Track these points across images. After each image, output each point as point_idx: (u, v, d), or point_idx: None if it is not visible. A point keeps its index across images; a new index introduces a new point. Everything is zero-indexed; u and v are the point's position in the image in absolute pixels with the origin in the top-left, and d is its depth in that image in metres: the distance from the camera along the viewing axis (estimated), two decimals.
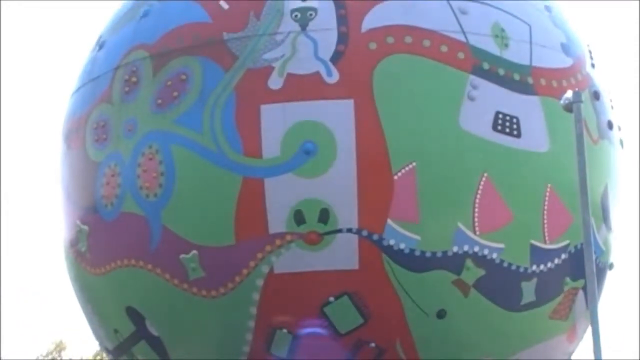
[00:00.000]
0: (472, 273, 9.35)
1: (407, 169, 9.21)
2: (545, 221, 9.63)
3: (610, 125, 10.53)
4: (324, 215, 9.14)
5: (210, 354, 9.72)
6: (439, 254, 9.26)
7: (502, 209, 9.43)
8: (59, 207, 10.91)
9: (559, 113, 9.00)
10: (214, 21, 9.73)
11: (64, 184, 10.71)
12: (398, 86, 9.34)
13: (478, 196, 9.33)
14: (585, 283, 8.83)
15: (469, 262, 9.32)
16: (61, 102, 11.21)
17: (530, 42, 9.89)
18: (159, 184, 9.52)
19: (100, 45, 10.65)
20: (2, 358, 24.17)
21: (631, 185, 11.29)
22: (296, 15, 9.52)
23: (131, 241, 9.75)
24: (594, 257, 8.60)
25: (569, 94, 8.67)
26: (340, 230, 9.15)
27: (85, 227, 10.24)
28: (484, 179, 9.37)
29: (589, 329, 8.54)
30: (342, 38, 9.42)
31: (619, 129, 10.83)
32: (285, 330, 9.39)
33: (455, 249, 9.29)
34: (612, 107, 10.77)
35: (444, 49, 9.48)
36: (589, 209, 8.45)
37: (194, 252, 9.39)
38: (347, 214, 9.13)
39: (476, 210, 9.32)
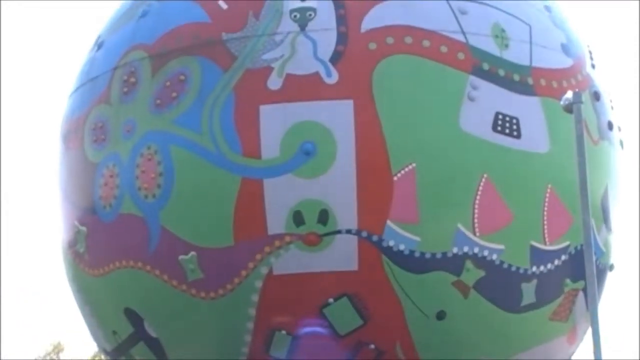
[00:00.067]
0: (472, 274, 9.33)
1: (406, 169, 9.18)
2: (546, 222, 9.61)
3: (610, 126, 10.51)
4: (324, 216, 9.12)
5: (209, 356, 9.69)
6: (439, 255, 9.24)
7: (502, 210, 9.41)
8: (57, 208, 10.89)
9: (559, 114, 8.98)
10: (213, 21, 9.71)
11: (62, 185, 10.69)
12: (398, 87, 9.32)
13: (478, 197, 9.30)
14: (586, 284, 8.80)
15: (468, 263, 9.30)
16: (59, 102, 11.20)
17: (530, 43, 9.87)
18: (158, 185, 9.50)
19: (99, 45, 10.63)
20: (2, 358, 24.16)
21: (631, 186, 11.28)
22: (295, 16, 9.50)
23: (130, 242, 9.73)
24: (594, 258, 8.58)
25: (569, 94, 8.66)
26: (339, 231, 9.13)
27: (84, 228, 10.22)
28: (483, 179, 9.35)
29: (589, 331, 8.52)
30: (342, 38, 9.40)
31: (619, 129, 10.81)
32: (284, 332, 9.37)
33: (455, 250, 9.26)
34: (612, 108, 10.76)
35: (444, 49, 9.46)
36: (589, 210, 8.43)
37: (193, 253, 9.37)
38: (346, 214, 9.11)
39: (476, 211, 9.30)
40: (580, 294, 10.01)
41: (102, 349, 11.25)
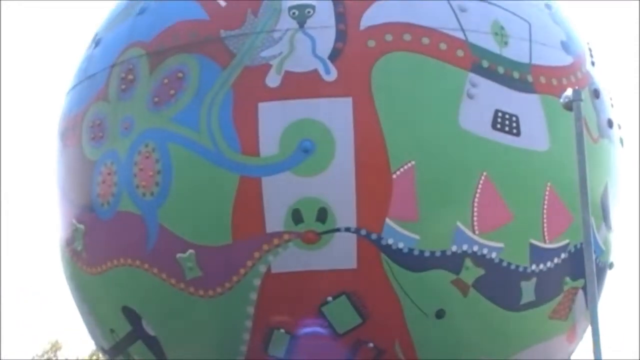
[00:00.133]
0: (472, 272, 9.30)
1: (405, 167, 9.16)
2: (545, 220, 9.59)
3: (610, 123, 10.49)
4: (322, 214, 9.09)
5: (207, 354, 9.67)
6: (438, 254, 9.21)
7: (502, 208, 9.38)
8: (55, 206, 10.86)
9: (559, 111, 8.94)
10: (211, 18, 9.67)
11: (60, 183, 10.66)
12: (397, 84, 9.29)
13: (477, 195, 9.28)
14: (585, 283, 8.78)
15: (468, 262, 9.27)
16: (57, 100, 11.18)
17: (530, 40, 9.84)
18: (156, 183, 9.47)
19: (97, 42, 10.60)
20: (1, 358, 24.16)
21: (631, 184, 11.26)
22: (294, 13, 9.47)
23: (127, 240, 9.70)
24: (593, 256, 8.54)
25: (568, 92, 8.62)
26: (338, 230, 9.10)
27: (81, 226, 10.19)
28: (483, 177, 9.33)
29: (589, 329, 8.48)
30: (341, 36, 9.37)
31: (619, 127, 10.79)
32: (282, 330, 9.34)
33: (454, 248, 9.24)
34: (612, 106, 10.74)
35: (443, 46, 9.44)
36: (588, 208, 8.40)
37: (191, 251, 9.34)
38: (345, 213, 9.08)
39: (475, 209, 9.27)
40: (580, 293, 9.99)
41: (100, 348, 11.23)
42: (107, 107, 10.02)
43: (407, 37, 9.40)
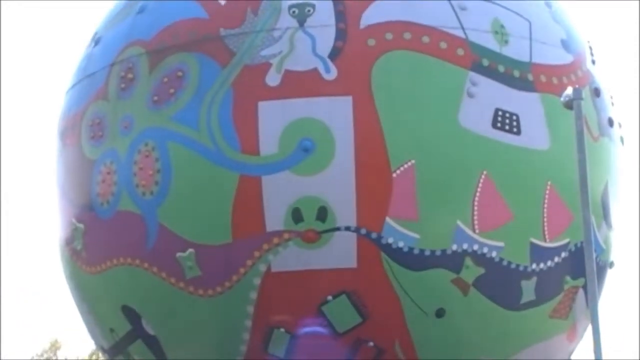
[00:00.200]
0: (472, 271, 9.28)
1: (406, 166, 9.14)
2: (545, 219, 9.57)
3: (610, 122, 10.47)
4: (322, 213, 9.08)
5: (207, 354, 9.65)
6: (438, 253, 9.19)
7: (502, 207, 9.37)
8: (54, 205, 10.84)
9: (559, 110, 8.92)
10: (210, 17, 9.66)
11: (60, 182, 10.64)
12: (397, 83, 9.27)
13: (477, 194, 9.26)
14: (586, 282, 8.76)
15: (468, 261, 9.25)
16: (56, 99, 11.16)
17: (530, 39, 9.82)
18: (155, 182, 9.45)
19: (96, 41, 10.58)
20: (2, 358, 24.16)
21: (632, 183, 11.24)
22: (294, 11, 9.45)
23: (127, 239, 9.68)
24: (594, 255, 8.53)
25: (569, 90, 8.60)
26: (338, 229, 9.08)
27: (81, 226, 10.17)
28: (483, 176, 9.31)
29: (589, 328, 8.48)
30: (341, 34, 9.35)
31: (620, 126, 10.78)
32: (282, 330, 9.33)
33: (454, 247, 9.22)
34: (612, 104, 10.72)
35: (443, 45, 9.42)
36: (589, 207, 8.38)
37: (191, 250, 9.32)
38: (345, 212, 9.06)
39: (475, 208, 9.25)
40: (581, 292, 9.97)
41: (100, 347, 11.22)
42: (106, 106, 10.00)
43: (407, 35, 9.38)
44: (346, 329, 9.28)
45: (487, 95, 9.42)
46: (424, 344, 9.42)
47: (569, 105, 8.56)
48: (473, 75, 9.41)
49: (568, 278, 9.87)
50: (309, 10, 9.45)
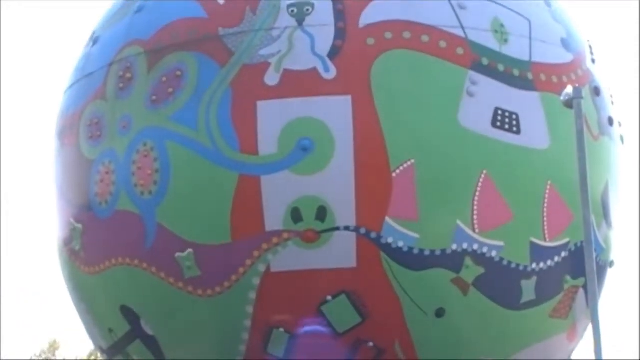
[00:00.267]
0: (472, 271, 9.26)
1: (405, 166, 9.12)
2: (545, 219, 9.55)
3: (610, 121, 10.45)
4: (322, 213, 9.05)
5: (206, 354, 9.63)
6: (438, 252, 9.17)
7: (502, 206, 9.35)
8: (52, 205, 10.82)
9: (559, 109, 8.91)
10: (209, 16, 9.63)
11: (58, 182, 10.62)
12: (396, 82, 9.24)
13: (477, 193, 9.24)
14: (586, 281, 8.75)
15: (468, 260, 9.23)
16: (55, 98, 11.14)
17: (530, 38, 9.81)
18: (154, 182, 9.43)
19: (94, 41, 10.56)
20: (2, 358, 24.17)
21: (632, 182, 11.22)
22: (293, 11, 9.43)
23: (126, 239, 9.66)
24: (594, 255, 8.52)
25: (569, 89, 8.58)
26: (337, 228, 9.06)
27: (79, 226, 10.15)
28: (483, 176, 9.29)
29: (590, 328, 8.46)
30: (340, 33, 9.33)
31: (620, 125, 10.76)
32: (282, 330, 9.31)
33: (454, 246, 9.20)
34: (612, 103, 10.71)
35: (443, 44, 9.40)
36: (589, 206, 8.37)
37: (190, 250, 9.30)
38: (344, 211, 9.04)
39: (475, 207, 9.23)
40: (581, 291, 9.96)
41: (98, 347, 11.19)
42: (104, 106, 9.98)
43: (406, 34, 9.36)
44: (346, 329, 9.26)
45: (486, 95, 9.40)
46: (423, 344, 9.40)
47: (569, 104, 8.54)
48: (473, 74, 9.39)
49: (568, 278, 9.85)
50: (307, 10, 9.42)
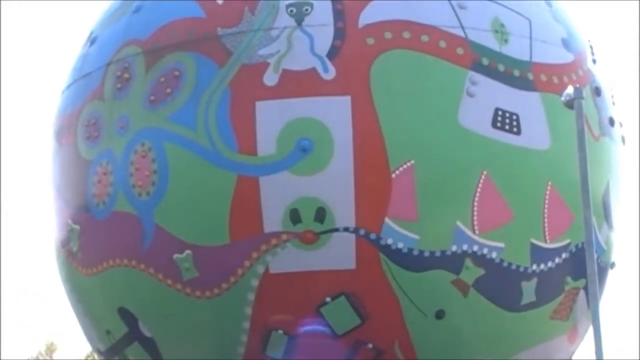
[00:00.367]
0: (472, 272, 9.23)
1: (405, 166, 9.08)
2: (546, 220, 9.52)
3: (611, 121, 10.42)
4: (321, 214, 9.02)
5: (204, 356, 9.59)
6: (438, 254, 9.14)
7: (502, 207, 9.31)
8: (50, 205, 10.78)
9: (560, 109, 8.88)
10: (207, 16, 9.60)
11: (55, 183, 10.59)
12: (396, 82, 9.21)
13: (477, 194, 9.21)
14: (587, 283, 8.71)
15: (468, 262, 9.20)
16: (52, 98, 11.10)
17: (531, 38, 9.78)
18: (152, 182, 9.39)
19: (92, 41, 10.53)
20: (1, 358, 24.17)
21: (633, 183, 11.19)
22: (292, 10, 9.39)
23: (123, 241, 9.62)
24: (595, 256, 8.48)
25: (569, 90, 8.56)
26: (337, 229, 9.02)
27: (77, 227, 10.11)
28: (483, 176, 9.26)
29: (590, 329, 8.43)
30: (339, 33, 9.30)
31: (621, 125, 10.74)
32: (280, 331, 9.27)
33: (454, 248, 9.16)
34: (613, 104, 10.68)
35: (443, 44, 9.36)
36: (590, 207, 8.34)
37: (188, 251, 9.26)
38: (344, 212, 9.00)
39: (475, 208, 9.20)
40: (581, 293, 9.93)
41: (96, 349, 11.16)
42: (102, 106, 9.94)
43: (406, 34, 9.33)
44: (345, 330, 9.23)
45: (487, 95, 9.37)
46: (423, 346, 9.37)
47: (569, 104, 8.51)
48: (473, 74, 9.36)
49: (569, 279, 9.81)
50: (306, 9, 9.39)
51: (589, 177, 8.37)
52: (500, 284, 9.40)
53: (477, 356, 9.59)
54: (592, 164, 8.70)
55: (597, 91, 10.27)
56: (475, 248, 9.22)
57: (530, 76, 9.62)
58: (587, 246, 8.34)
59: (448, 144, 9.21)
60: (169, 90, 9.44)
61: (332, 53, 9.23)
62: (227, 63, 9.31)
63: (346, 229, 9.02)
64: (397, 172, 9.07)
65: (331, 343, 9.24)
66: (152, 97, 9.51)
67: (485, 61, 9.44)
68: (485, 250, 9.25)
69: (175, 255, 9.30)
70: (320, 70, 9.19)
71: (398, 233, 9.04)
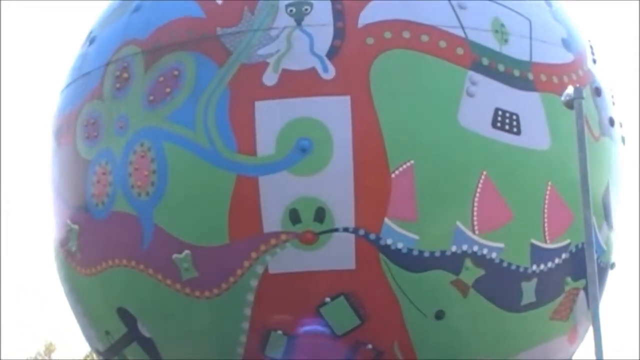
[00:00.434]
0: (471, 273, 9.21)
1: (404, 166, 9.06)
2: (546, 220, 9.50)
3: (611, 121, 10.41)
4: (320, 214, 9.00)
5: (203, 356, 9.58)
6: (438, 254, 9.12)
7: (502, 207, 9.29)
8: (49, 205, 10.76)
9: (560, 109, 8.86)
10: (207, 16, 9.58)
11: (54, 182, 10.58)
12: (396, 82, 9.20)
13: (477, 195, 9.19)
14: (587, 283, 8.69)
15: (468, 262, 9.18)
16: (51, 98, 11.08)
17: (531, 38, 9.76)
18: (151, 182, 9.37)
19: (91, 40, 10.51)
20: (1, 358, 24.17)
21: (633, 183, 11.17)
22: (291, 10, 9.38)
23: (122, 241, 9.60)
24: (595, 256, 8.45)
25: (570, 90, 8.54)
26: (336, 230, 9.00)
27: (76, 227, 10.09)
28: (483, 177, 9.24)
29: (590, 330, 8.42)
30: (339, 33, 9.28)
31: (621, 125, 10.72)
32: (280, 332, 9.25)
33: (454, 248, 9.15)
34: (613, 104, 10.67)
35: (443, 44, 9.34)
36: (590, 208, 8.32)
37: (187, 252, 9.24)
38: (343, 212, 8.99)
39: (475, 209, 9.18)
40: (581, 293, 9.91)
41: (95, 349, 11.15)
42: (101, 106, 9.92)
43: (406, 34, 9.31)
44: (345, 331, 9.22)
45: (486, 95, 9.35)
46: (423, 346, 9.36)
47: (569, 104, 8.50)
48: (473, 74, 9.34)
49: (569, 279, 9.80)
50: (306, 9, 9.37)
51: (589, 177, 8.35)
52: (500, 285, 9.38)
53: (477, 357, 9.58)
54: (592, 164, 8.68)
55: (597, 91, 10.26)
56: (475, 248, 9.20)
57: (530, 76, 9.60)
58: (587, 246, 8.32)
59: (448, 144, 9.19)
60: (168, 90, 9.42)
61: (332, 53, 9.21)
62: (226, 63, 9.29)
63: (346, 229, 9.00)
64: (396, 172, 9.05)
65: (331, 343, 9.23)
66: (151, 97, 9.50)
67: (485, 61, 9.42)
68: (485, 251, 9.24)
69: (175, 256, 9.28)
70: (319, 70, 9.18)
71: (398, 233, 9.03)
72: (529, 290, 9.52)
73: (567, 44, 10.10)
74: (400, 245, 9.03)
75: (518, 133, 9.41)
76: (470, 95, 9.30)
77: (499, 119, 9.37)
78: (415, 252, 9.06)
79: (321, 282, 9.12)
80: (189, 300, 9.36)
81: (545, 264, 9.57)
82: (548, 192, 9.52)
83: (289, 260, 9.06)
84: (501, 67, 9.48)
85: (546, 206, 9.50)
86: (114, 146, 9.66)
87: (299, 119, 9.09)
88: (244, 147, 9.10)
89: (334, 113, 9.08)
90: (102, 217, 9.73)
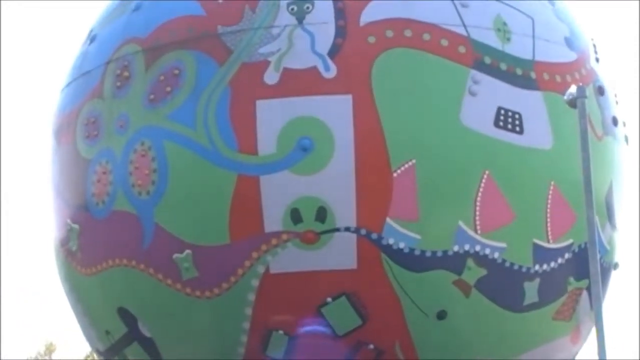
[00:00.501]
0: (474, 273, 9.18)
1: (406, 166, 9.03)
2: (549, 220, 9.47)
3: (615, 121, 10.38)
4: (322, 214, 8.97)
5: (204, 356, 9.56)
6: (439, 254, 9.09)
7: (504, 207, 9.27)
8: (49, 205, 10.74)
9: (563, 109, 8.84)
10: (208, 14, 9.56)
11: (54, 182, 10.57)
12: (397, 81, 9.17)
13: (479, 194, 9.16)
14: (589, 283, 8.67)
15: (470, 262, 9.15)
16: (51, 97, 11.06)
17: (533, 36, 9.73)
18: (152, 182, 9.35)
19: (91, 39, 10.50)
20: (1, 358, 24.18)
21: (636, 182, 11.13)
22: (293, 9, 9.36)
23: (123, 240, 9.58)
24: (598, 256, 8.43)
25: (572, 89, 8.53)
26: (338, 229, 8.98)
27: (76, 226, 10.07)
28: (485, 176, 9.21)
29: (593, 330, 8.39)
30: (340, 32, 9.26)
31: (624, 125, 10.68)
32: (281, 332, 9.22)
33: (456, 248, 9.12)
34: (616, 103, 10.64)
35: (445, 42, 9.32)
36: (593, 207, 8.32)
37: (188, 251, 9.22)
38: (345, 212, 8.96)
39: (477, 208, 9.15)
40: (584, 293, 9.88)
41: (95, 349, 11.14)
42: (102, 105, 9.90)
43: (408, 33, 9.28)
44: (346, 331, 9.19)
45: (489, 94, 9.32)
46: (424, 346, 9.33)
47: (572, 103, 8.48)
48: (475, 73, 9.31)
49: (571, 279, 9.77)
50: (307, 8, 9.35)
51: (592, 177, 8.33)
52: (502, 285, 9.35)
53: (479, 357, 9.55)
54: (595, 164, 8.66)
55: (600, 90, 10.22)
56: (477, 248, 9.17)
57: (533, 75, 9.57)
58: (590, 246, 8.31)
59: (450, 143, 9.16)
60: (168, 89, 9.40)
61: (333, 51, 9.19)
62: (227, 61, 9.27)
63: (347, 229, 8.98)
64: (398, 171, 9.02)
65: (332, 343, 9.21)
66: (151, 96, 9.47)
67: (487, 60, 9.39)
68: (487, 251, 9.20)
69: (175, 255, 9.25)
70: (321, 68, 9.15)
71: (399, 233, 9.00)
72: (531, 291, 9.50)
73: (569, 42, 10.07)
74: (402, 245, 9.00)
75: (520, 132, 9.38)
76: (472, 94, 9.27)
77: (502, 118, 9.34)
78: (417, 252, 9.03)
79: (322, 282, 9.10)
80: (189, 300, 9.33)
81: (548, 264, 9.53)
82: (550, 192, 9.48)
83: (290, 260, 9.04)
84: (503, 66, 9.45)
85: (549, 206, 9.47)
86: (115, 145, 9.63)
87: (300, 118, 9.06)
88: (245, 146, 9.08)
89: (336, 112, 9.06)
90: (103, 216, 9.71)
